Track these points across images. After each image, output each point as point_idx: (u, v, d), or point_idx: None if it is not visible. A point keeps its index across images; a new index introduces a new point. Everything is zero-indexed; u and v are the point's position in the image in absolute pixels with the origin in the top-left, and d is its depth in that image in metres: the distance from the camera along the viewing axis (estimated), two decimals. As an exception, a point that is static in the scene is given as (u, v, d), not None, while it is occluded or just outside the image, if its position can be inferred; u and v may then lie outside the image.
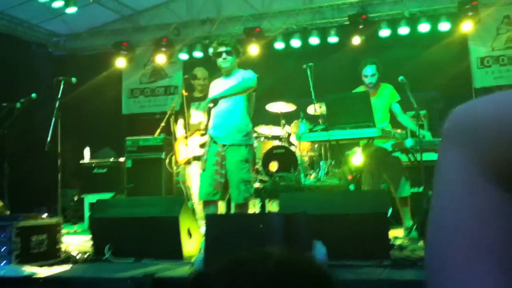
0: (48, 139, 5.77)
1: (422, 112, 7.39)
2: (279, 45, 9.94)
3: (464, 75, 9.00)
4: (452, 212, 0.59)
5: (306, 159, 7.94)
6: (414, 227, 5.14)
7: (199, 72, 6.79)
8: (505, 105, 0.57)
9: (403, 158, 5.81)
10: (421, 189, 5.54)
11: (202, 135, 5.70)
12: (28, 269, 3.81)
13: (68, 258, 4.37)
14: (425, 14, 9.20)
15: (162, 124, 6.89)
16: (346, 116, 5.39)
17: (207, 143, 5.10)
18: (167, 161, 7.26)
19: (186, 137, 6.48)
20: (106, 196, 7.66)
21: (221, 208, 6.16)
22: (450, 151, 0.61)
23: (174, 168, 6.95)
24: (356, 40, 9.42)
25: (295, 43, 9.81)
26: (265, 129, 8.19)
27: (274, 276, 0.81)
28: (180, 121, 6.83)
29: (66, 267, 4.14)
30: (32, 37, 10.57)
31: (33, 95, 6.48)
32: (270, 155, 7.59)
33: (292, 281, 0.81)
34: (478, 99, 0.61)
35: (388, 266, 3.70)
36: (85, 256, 4.48)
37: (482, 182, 0.57)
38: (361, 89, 6.07)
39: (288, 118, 8.27)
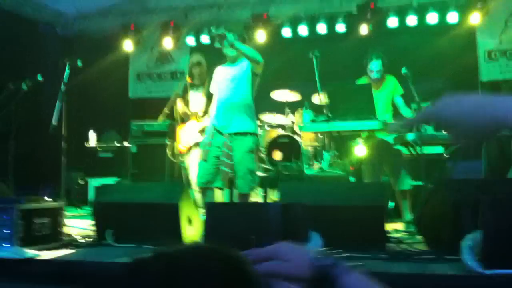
0: (53, 121, 5.80)
1: (425, 104, 7.41)
2: (286, 32, 9.90)
3: (471, 68, 8.96)
4: None
5: (310, 148, 7.97)
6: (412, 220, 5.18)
7: (194, 57, 6.77)
8: None
9: (404, 151, 5.84)
10: (421, 182, 5.56)
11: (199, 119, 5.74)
12: (31, 251, 3.87)
13: (71, 242, 4.44)
14: (433, 4, 9.13)
15: (165, 110, 6.92)
16: (347, 108, 5.41)
17: (210, 134, 5.12)
18: (168, 150, 7.27)
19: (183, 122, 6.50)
20: (111, 180, 7.75)
21: (220, 196, 6.24)
22: None
23: (174, 156, 6.99)
24: (364, 29, 9.38)
25: (303, 30, 9.78)
26: (269, 117, 8.21)
27: (165, 277, 0.87)
28: (179, 105, 6.81)
29: (68, 251, 4.20)
30: (39, 17, 10.54)
31: (39, 76, 6.51)
32: (274, 144, 7.62)
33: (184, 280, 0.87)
34: None
35: (384, 259, 3.74)
36: (87, 240, 4.55)
37: None
38: (365, 79, 6.08)
39: (293, 106, 8.29)
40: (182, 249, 0.94)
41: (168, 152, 7.22)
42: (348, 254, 3.79)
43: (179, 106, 6.73)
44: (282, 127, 8.05)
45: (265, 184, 6.96)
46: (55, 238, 4.32)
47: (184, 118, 6.69)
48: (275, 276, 1.09)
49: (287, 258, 1.11)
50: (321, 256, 1.08)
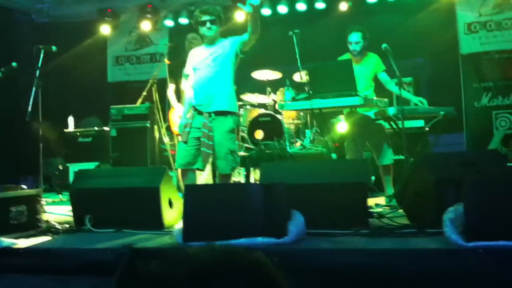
0: (29, 108, 5.70)
1: (408, 79, 7.39)
2: (265, 11, 9.77)
3: (451, 41, 8.93)
4: None
5: (292, 127, 7.93)
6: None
7: (189, 34, 6.64)
8: None
9: (386, 125, 5.81)
10: (403, 156, 5.54)
11: None
12: (8, 240, 3.80)
13: (49, 229, 4.35)
14: (413, -21, 9.09)
15: (144, 93, 6.82)
16: (328, 85, 5.37)
17: (190, 114, 5.05)
18: (156, 131, 7.17)
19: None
20: (91, 165, 7.66)
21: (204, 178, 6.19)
22: None
23: (167, 138, 6.91)
24: (343, 6, 9.31)
25: (282, 9, 9.69)
26: (251, 97, 8.15)
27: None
28: (172, 86, 6.71)
29: (46, 238, 4.13)
30: (14, 4, 10.34)
31: (14, 64, 6.36)
32: (256, 123, 7.57)
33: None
34: None
35: (365, 235, 3.72)
36: (66, 227, 4.48)
37: None
38: (347, 56, 6.02)
39: (274, 85, 8.23)
40: (201, 257, 0.86)
41: (157, 134, 7.11)
42: (330, 231, 3.77)
43: (172, 85, 6.62)
44: (264, 106, 7.99)
45: (247, 164, 6.91)
46: (32, 225, 4.24)
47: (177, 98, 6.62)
48: None
49: None
50: None
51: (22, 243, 3.87)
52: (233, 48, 5.03)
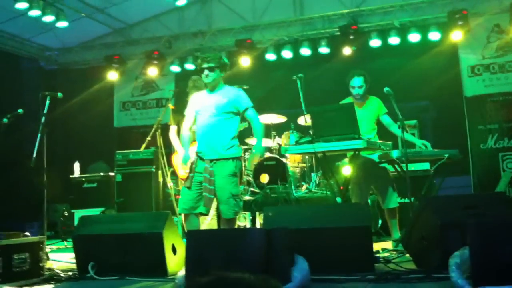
0: (34, 154, 5.73)
1: (412, 122, 7.40)
2: (270, 56, 9.94)
3: (455, 84, 8.99)
4: None
5: (297, 170, 7.92)
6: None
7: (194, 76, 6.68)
8: None
9: (390, 169, 5.78)
10: (408, 200, 5.48)
11: None
12: (10, 288, 3.77)
13: (52, 277, 4.32)
14: (415, 24, 9.21)
15: (148, 138, 6.84)
16: (331, 128, 5.37)
17: (194, 160, 5.06)
18: (160, 176, 7.17)
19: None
20: (97, 211, 7.64)
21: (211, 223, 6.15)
22: None
23: (172, 183, 6.89)
24: (347, 51, 9.42)
25: (286, 54, 9.82)
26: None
27: None
28: (173, 128, 6.72)
29: (49, 286, 4.10)
30: (23, 52, 10.55)
31: (20, 110, 6.42)
32: (261, 167, 7.57)
33: None
34: None
35: (371, 280, 3.66)
36: (69, 274, 4.44)
37: None
38: (349, 100, 6.05)
39: (279, 129, 8.27)
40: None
41: (161, 179, 7.12)
42: (334, 277, 3.71)
43: (173, 127, 6.66)
44: (269, 150, 8.00)
45: (253, 208, 6.87)
46: (35, 273, 4.20)
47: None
48: None
49: None
50: None
51: (24, 291, 3.83)
52: (237, 106, 5.06)
